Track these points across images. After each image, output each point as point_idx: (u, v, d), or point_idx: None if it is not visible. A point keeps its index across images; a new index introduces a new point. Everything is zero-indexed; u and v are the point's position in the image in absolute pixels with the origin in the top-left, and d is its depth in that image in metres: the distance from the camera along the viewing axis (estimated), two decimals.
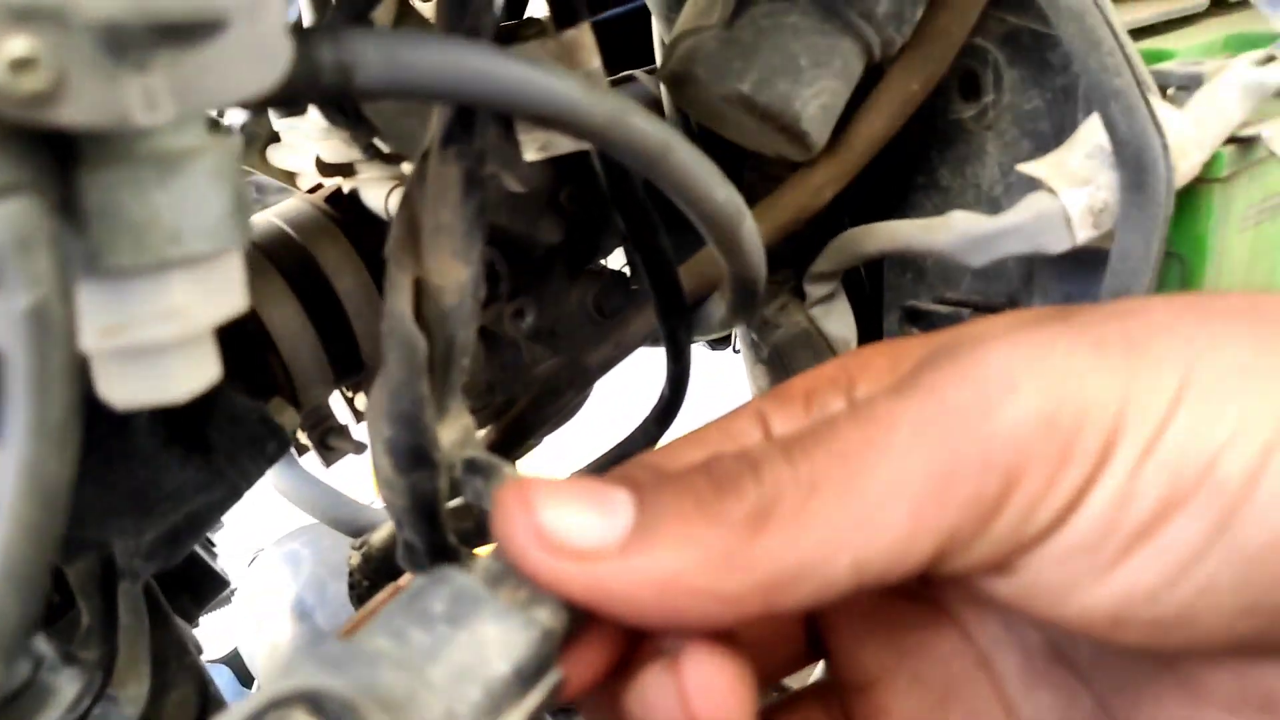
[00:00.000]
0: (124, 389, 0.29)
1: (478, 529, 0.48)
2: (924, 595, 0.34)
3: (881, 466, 0.28)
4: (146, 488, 0.50)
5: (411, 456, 0.40)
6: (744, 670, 0.28)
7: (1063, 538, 0.27)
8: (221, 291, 0.28)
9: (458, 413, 0.40)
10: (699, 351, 0.82)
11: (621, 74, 0.71)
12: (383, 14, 0.45)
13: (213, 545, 0.68)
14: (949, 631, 0.33)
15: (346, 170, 0.58)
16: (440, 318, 0.39)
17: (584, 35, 0.42)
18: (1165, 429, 0.26)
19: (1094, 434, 0.27)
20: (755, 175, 0.58)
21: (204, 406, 0.50)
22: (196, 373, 0.30)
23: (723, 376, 1.03)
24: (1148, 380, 0.27)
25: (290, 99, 0.29)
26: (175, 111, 0.23)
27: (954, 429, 0.28)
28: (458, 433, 0.40)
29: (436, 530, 0.40)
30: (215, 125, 0.27)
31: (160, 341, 0.27)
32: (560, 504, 0.26)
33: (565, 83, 0.34)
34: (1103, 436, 0.27)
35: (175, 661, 0.57)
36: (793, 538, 0.25)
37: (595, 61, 0.42)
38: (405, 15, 0.46)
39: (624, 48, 0.77)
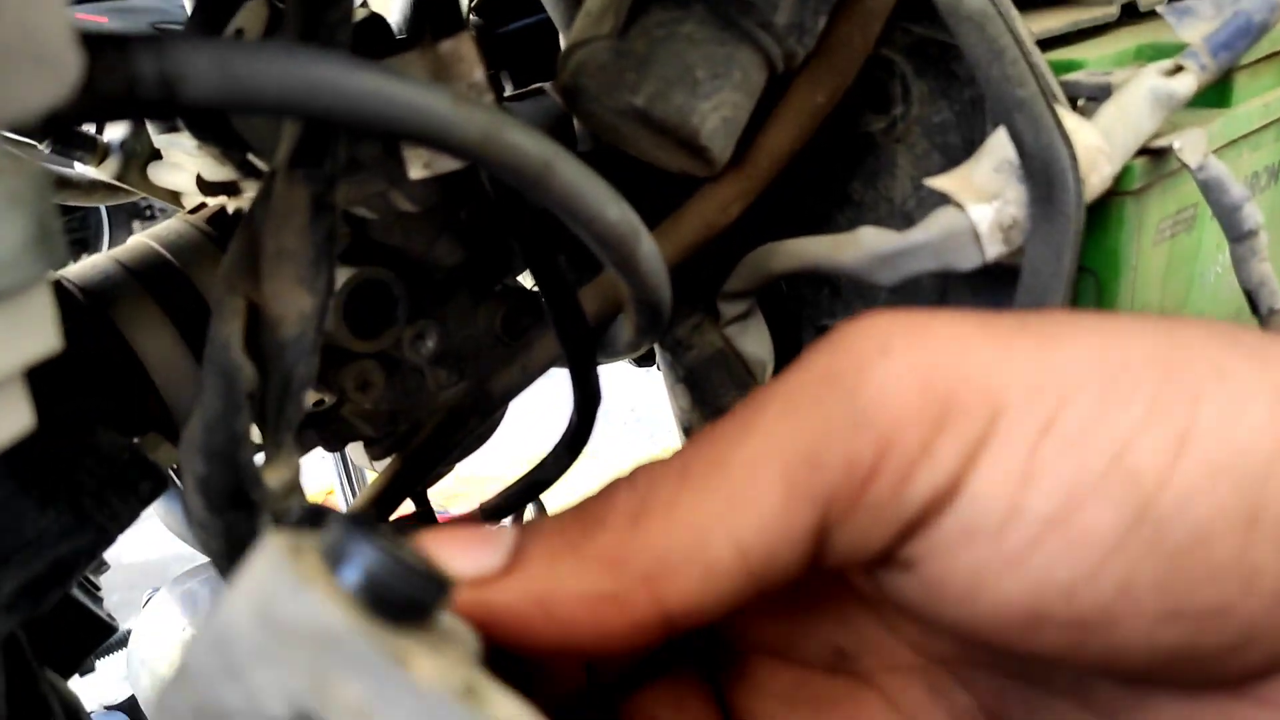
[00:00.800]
0: None
1: None
2: (844, 667, 0.32)
3: (750, 441, 0.27)
4: (2, 535, 0.46)
5: (226, 496, 0.37)
6: None
7: (957, 516, 0.26)
8: (25, 332, 0.26)
9: (289, 453, 0.37)
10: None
11: (533, 86, 0.69)
12: (253, 23, 0.43)
13: (97, 589, 0.64)
14: (873, 703, 0.32)
15: (230, 189, 0.55)
16: (277, 349, 0.36)
17: (463, 45, 0.39)
18: (1064, 409, 0.25)
19: (975, 403, 0.26)
20: (666, 192, 0.57)
21: (66, 445, 0.47)
22: (3, 423, 0.27)
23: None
24: (1041, 359, 0.26)
25: (101, 114, 0.26)
26: None
27: (824, 395, 0.27)
28: (288, 474, 0.37)
29: None
30: (10, 148, 0.25)
31: None
32: (446, 542, 0.26)
33: (429, 96, 0.32)
34: (985, 408, 0.26)
35: None
36: (665, 525, 0.25)
37: (477, 73, 0.40)
38: (278, 25, 0.43)
39: (538, 58, 0.75)
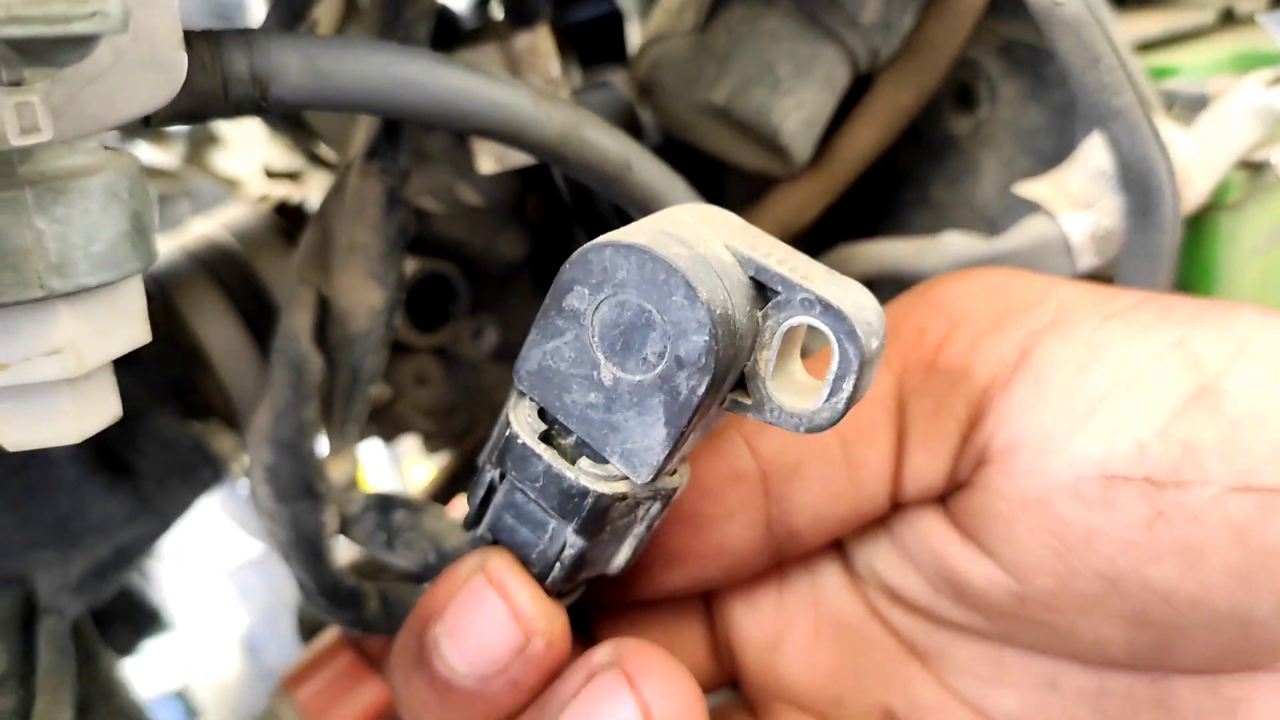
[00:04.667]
0: (13, 431, 0.27)
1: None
2: None
3: None
4: (70, 519, 0.48)
5: (294, 486, 0.39)
6: (692, 680, 0.28)
7: (1027, 379, 0.29)
8: (117, 325, 0.27)
9: (353, 446, 0.39)
10: None
11: (598, 80, 0.70)
12: (326, 15, 0.44)
13: (147, 573, 0.67)
14: None
15: (295, 178, 0.56)
16: (346, 342, 0.38)
17: (541, 39, 0.40)
18: (1125, 312, 0.29)
19: (1040, 301, 0.30)
20: (739, 191, 0.57)
21: (131, 431, 0.49)
22: (93, 413, 0.28)
23: None
24: (1102, 289, 0.31)
25: (198, 115, 0.27)
26: (54, 133, 0.22)
27: (902, 299, 0.33)
28: (350, 467, 0.39)
29: (324, 567, 0.38)
30: (109, 144, 0.26)
31: (49, 381, 0.26)
32: None
33: (510, 93, 0.33)
34: (1051, 304, 0.30)
35: (103, 704, 0.55)
36: None
37: (554, 68, 0.41)
38: (351, 16, 0.45)
39: (603, 48, 0.76)
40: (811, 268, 0.26)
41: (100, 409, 0.28)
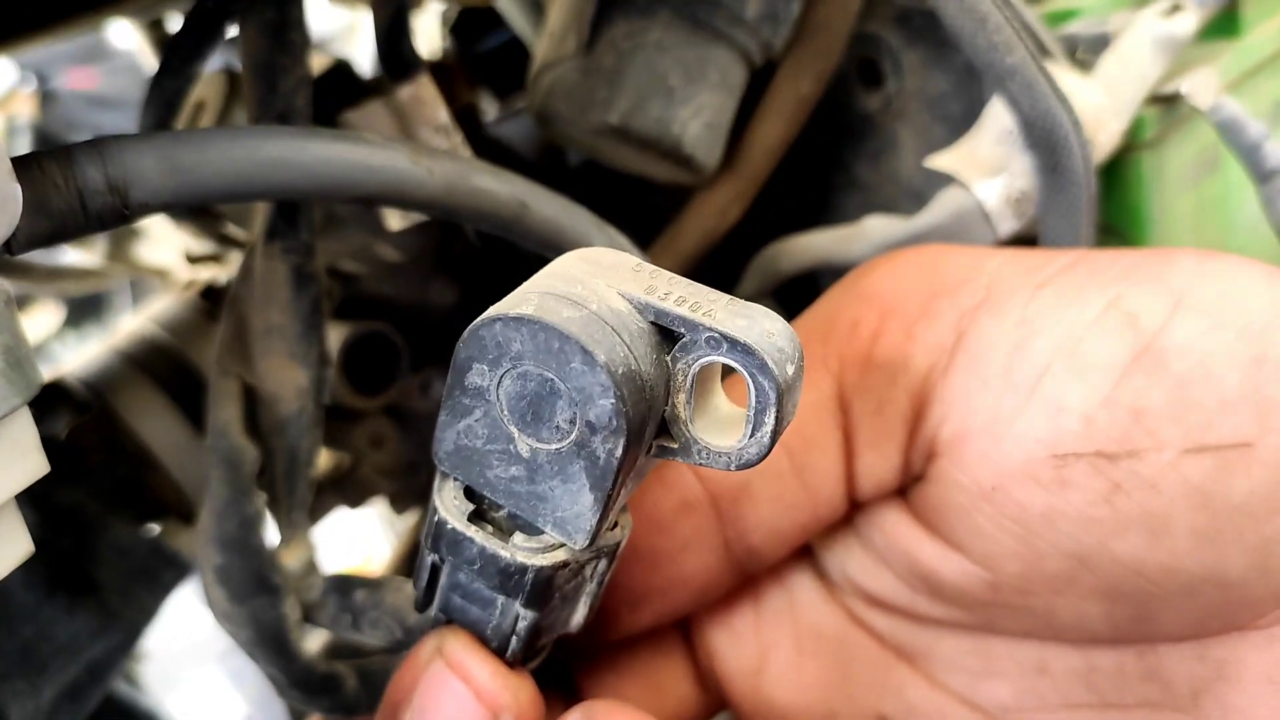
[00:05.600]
0: None
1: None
2: None
3: None
4: (34, 644, 0.48)
5: (248, 584, 0.38)
6: None
7: (965, 364, 0.29)
8: (10, 461, 0.27)
9: (304, 530, 0.38)
10: None
11: (518, 108, 0.69)
12: (212, 95, 0.44)
13: (132, 678, 0.66)
14: None
15: (218, 259, 0.56)
16: (278, 427, 0.37)
17: (423, 88, 0.40)
18: (1057, 277, 0.29)
19: (970, 278, 0.30)
20: (668, 201, 0.57)
21: (87, 544, 0.48)
22: (3, 555, 0.28)
23: None
24: (1030, 253, 0.31)
25: (60, 235, 0.27)
26: None
27: (834, 292, 0.33)
28: (306, 553, 0.38)
29: (292, 659, 0.38)
30: None
31: None
32: None
33: (385, 155, 0.32)
34: (980, 281, 0.30)
35: None
36: None
37: (441, 114, 0.41)
38: (236, 93, 0.44)
39: (514, 75, 0.76)
40: (714, 301, 0.25)
41: (9, 550, 0.28)
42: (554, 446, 0.25)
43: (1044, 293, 0.28)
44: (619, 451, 0.25)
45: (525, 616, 0.28)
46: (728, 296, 0.25)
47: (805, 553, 0.36)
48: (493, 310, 0.25)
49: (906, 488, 0.32)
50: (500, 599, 0.28)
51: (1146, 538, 0.27)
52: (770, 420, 0.24)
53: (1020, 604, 0.30)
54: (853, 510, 0.33)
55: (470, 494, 0.28)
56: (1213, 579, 0.27)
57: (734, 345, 0.24)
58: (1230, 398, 0.25)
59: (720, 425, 0.26)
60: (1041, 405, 0.27)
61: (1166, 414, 0.26)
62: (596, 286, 0.26)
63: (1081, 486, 0.27)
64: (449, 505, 0.28)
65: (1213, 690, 0.28)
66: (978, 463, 0.28)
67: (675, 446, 0.26)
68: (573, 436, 0.25)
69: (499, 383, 0.25)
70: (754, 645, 0.35)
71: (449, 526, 0.28)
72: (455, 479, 0.28)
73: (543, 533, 0.27)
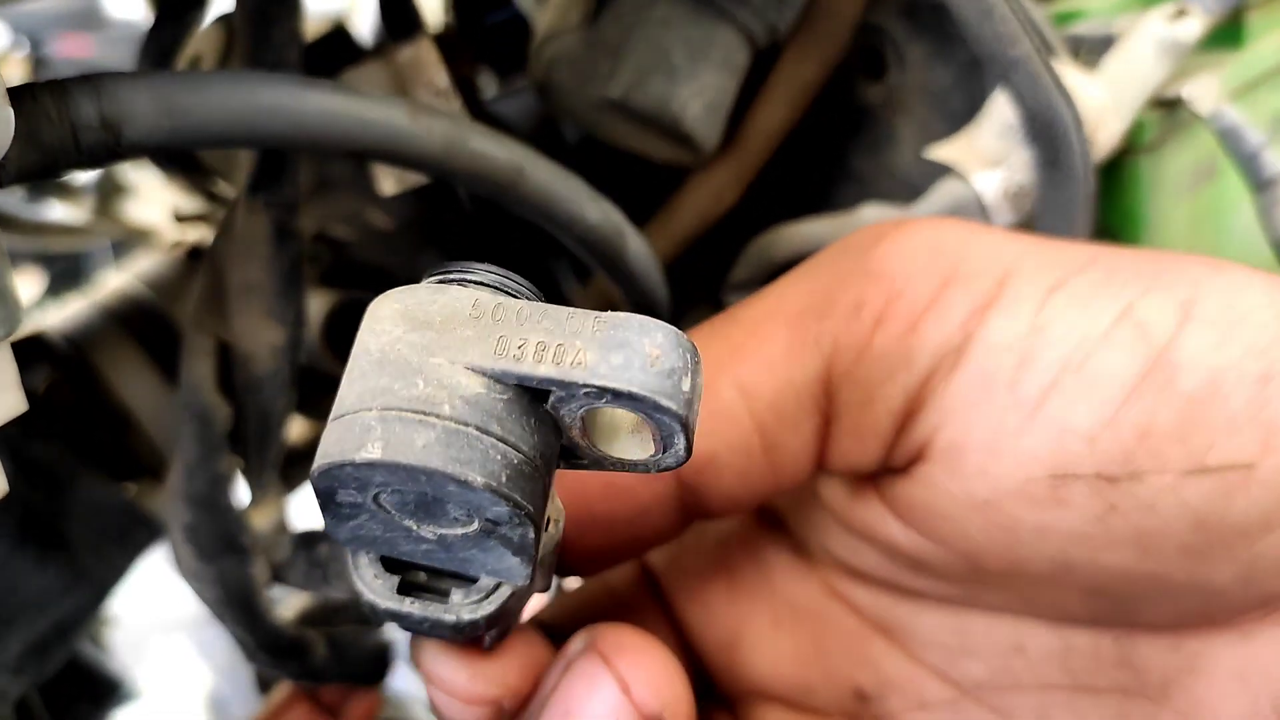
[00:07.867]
0: None
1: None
2: (865, 713, 0.34)
3: (763, 299, 0.31)
4: (3, 597, 0.47)
5: (216, 542, 0.38)
6: (667, 651, 0.28)
7: (971, 369, 0.28)
8: None
9: (275, 491, 0.38)
10: None
11: (518, 84, 0.69)
12: (209, 48, 0.44)
13: (99, 642, 0.66)
14: None
15: (206, 219, 0.56)
16: (252, 386, 0.37)
17: (424, 50, 0.40)
18: (1071, 277, 0.28)
19: (984, 267, 0.29)
20: (664, 179, 0.57)
21: (60, 500, 0.48)
22: None
23: None
24: (1046, 244, 0.30)
25: (49, 168, 0.27)
26: None
27: (838, 258, 0.31)
28: (275, 513, 0.38)
29: (260, 622, 0.38)
30: None
31: None
32: None
33: (383, 109, 0.32)
34: (994, 271, 0.29)
35: None
36: None
37: (440, 78, 0.41)
38: (234, 46, 0.44)
39: (517, 54, 0.76)
40: (578, 334, 0.22)
41: None
42: (460, 531, 0.24)
43: (1057, 297, 0.28)
44: (530, 531, 0.23)
45: (491, 633, 0.27)
46: (592, 318, 0.23)
47: (782, 526, 0.36)
48: (334, 453, 0.22)
49: (880, 475, 0.31)
50: (463, 634, 0.26)
51: (1136, 553, 0.27)
52: (680, 440, 0.23)
53: (1001, 585, 0.30)
54: (823, 485, 0.33)
55: (390, 562, 0.26)
56: (1197, 586, 0.27)
57: (617, 396, 0.22)
58: (1236, 417, 0.25)
59: (627, 436, 0.25)
60: (1046, 425, 0.27)
61: (1172, 434, 0.26)
62: (439, 373, 0.22)
63: (1077, 506, 0.26)
64: (372, 586, 0.26)
65: (1183, 682, 0.29)
66: (973, 476, 0.28)
67: (587, 463, 0.25)
68: (477, 525, 0.23)
69: (374, 498, 0.23)
70: (728, 620, 0.35)
71: (381, 608, 0.26)
72: (368, 555, 0.26)
73: (479, 578, 0.26)
